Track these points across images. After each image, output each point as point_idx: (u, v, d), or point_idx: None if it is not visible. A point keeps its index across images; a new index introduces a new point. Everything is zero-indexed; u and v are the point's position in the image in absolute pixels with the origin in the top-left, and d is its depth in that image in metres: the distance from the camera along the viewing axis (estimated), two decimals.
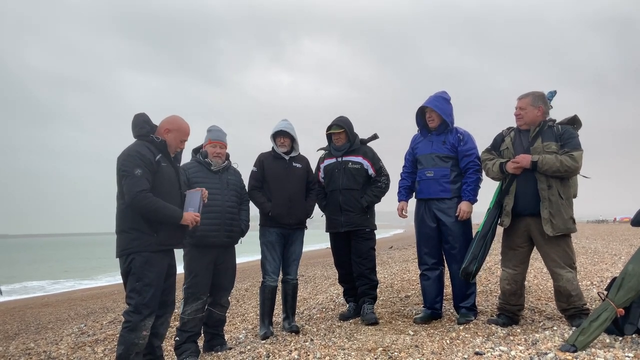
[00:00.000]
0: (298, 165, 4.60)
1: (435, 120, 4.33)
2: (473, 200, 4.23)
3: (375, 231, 4.83)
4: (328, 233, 4.90)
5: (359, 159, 4.70)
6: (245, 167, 4.52)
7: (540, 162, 3.62)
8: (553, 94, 3.92)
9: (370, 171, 4.71)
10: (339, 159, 4.73)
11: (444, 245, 4.30)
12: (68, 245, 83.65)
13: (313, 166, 4.85)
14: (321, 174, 4.88)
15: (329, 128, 4.76)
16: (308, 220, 4.69)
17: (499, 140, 4.05)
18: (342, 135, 4.72)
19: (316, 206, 4.79)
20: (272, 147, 4.62)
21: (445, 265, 4.42)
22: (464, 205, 4.19)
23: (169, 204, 3.40)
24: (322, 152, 4.97)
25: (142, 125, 3.50)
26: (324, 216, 4.86)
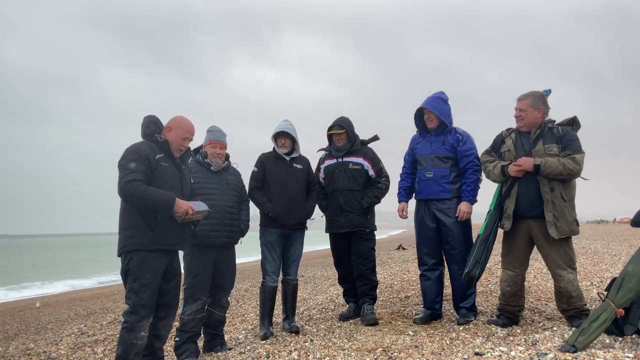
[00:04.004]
0: (299, 166, 4.61)
1: (433, 121, 4.33)
2: (473, 200, 4.23)
3: (375, 232, 4.83)
4: (328, 234, 4.90)
5: (360, 159, 4.70)
6: (239, 166, 4.53)
7: (543, 165, 3.61)
8: (548, 92, 3.92)
9: (371, 172, 4.71)
10: (340, 160, 4.73)
11: (444, 245, 4.30)
12: (60, 247, 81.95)
13: (313, 166, 4.86)
14: (321, 175, 4.88)
15: (330, 129, 4.77)
16: (308, 221, 4.69)
17: (498, 141, 4.04)
18: (343, 135, 4.72)
19: (316, 207, 4.80)
20: (273, 148, 4.63)
21: (445, 265, 4.42)
22: (463, 206, 4.19)
23: (161, 190, 3.33)
24: (323, 152, 4.98)
25: (147, 125, 3.58)
26: (324, 217, 4.86)
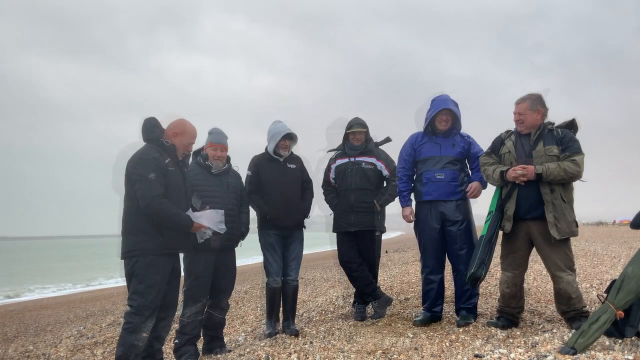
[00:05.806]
0: (292, 166, 4.60)
1: (448, 122, 4.31)
2: (484, 184, 4.25)
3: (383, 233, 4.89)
4: (328, 235, 4.89)
5: (373, 159, 4.71)
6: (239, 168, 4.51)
7: (545, 172, 3.62)
8: (546, 92, 3.94)
9: (385, 172, 4.73)
10: (352, 159, 4.72)
11: (453, 246, 4.26)
12: (52, 247, 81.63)
13: (307, 165, 4.83)
14: (332, 174, 4.84)
15: (350, 127, 4.73)
16: (307, 222, 4.68)
17: (497, 143, 4.04)
18: (362, 135, 4.72)
19: (315, 207, 4.79)
20: (266, 149, 4.59)
21: (446, 266, 4.42)
22: (475, 184, 4.23)
23: (181, 212, 3.50)
24: (334, 152, 4.94)
25: (151, 129, 3.55)
26: (332, 215, 4.82)
